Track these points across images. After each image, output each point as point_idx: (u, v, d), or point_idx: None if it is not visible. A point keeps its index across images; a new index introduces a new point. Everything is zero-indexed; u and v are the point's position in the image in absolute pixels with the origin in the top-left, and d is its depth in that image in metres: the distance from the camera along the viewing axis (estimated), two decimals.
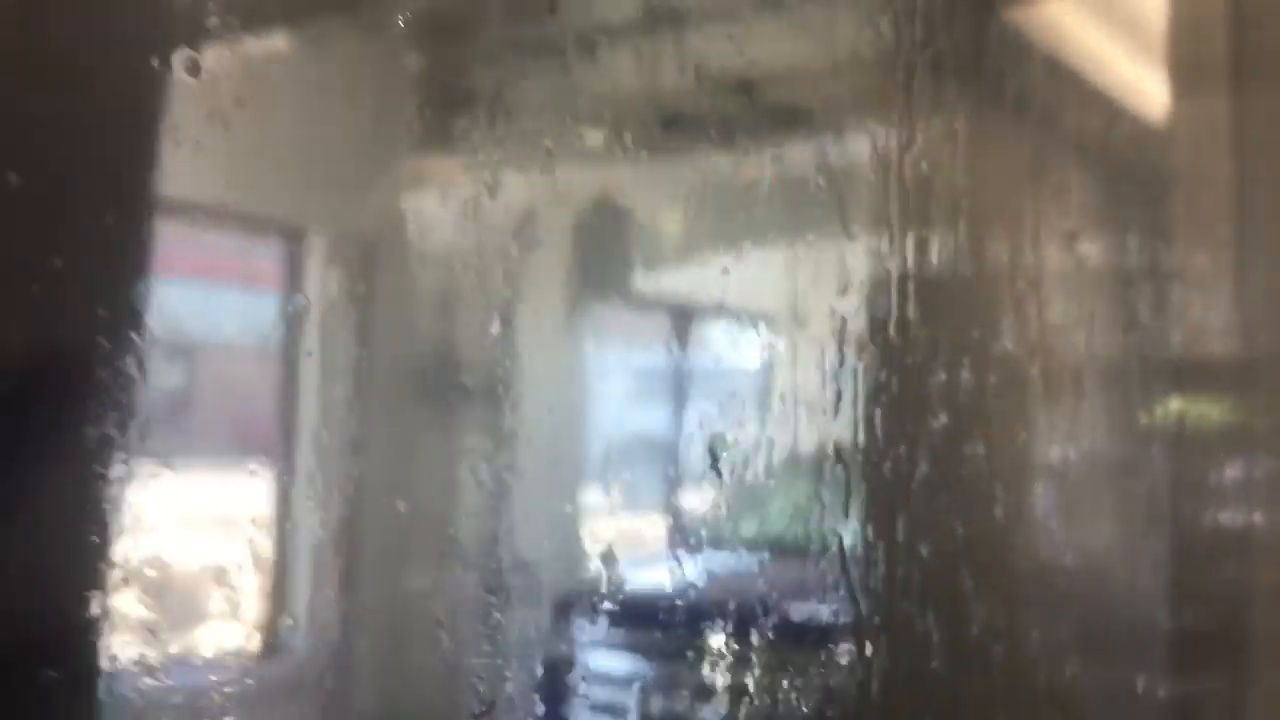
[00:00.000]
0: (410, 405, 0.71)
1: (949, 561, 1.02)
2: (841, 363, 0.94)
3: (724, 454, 0.86)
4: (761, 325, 0.94)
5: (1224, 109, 1.78)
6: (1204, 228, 1.66)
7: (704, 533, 0.85)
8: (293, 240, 0.68)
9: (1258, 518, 1.72)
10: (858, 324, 0.98)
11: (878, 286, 0.99)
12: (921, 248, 1.03)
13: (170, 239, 0.61)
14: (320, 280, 0.65)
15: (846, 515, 0.93)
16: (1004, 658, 1.05)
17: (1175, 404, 1.55)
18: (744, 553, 0.87)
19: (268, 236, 0.67)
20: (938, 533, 1.02)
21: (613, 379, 0.89)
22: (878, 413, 0.99)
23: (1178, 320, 1.54)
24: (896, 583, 0.98)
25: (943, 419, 1.02)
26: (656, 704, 0.80)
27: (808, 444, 0.93)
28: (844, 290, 0.99)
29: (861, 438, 0.97)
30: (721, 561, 0.85)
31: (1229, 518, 1.69)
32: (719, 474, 0.87)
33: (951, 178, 1.07)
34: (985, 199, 1.13)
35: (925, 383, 1.01)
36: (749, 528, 0.88)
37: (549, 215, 0.80)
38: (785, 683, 0.87)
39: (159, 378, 0.61)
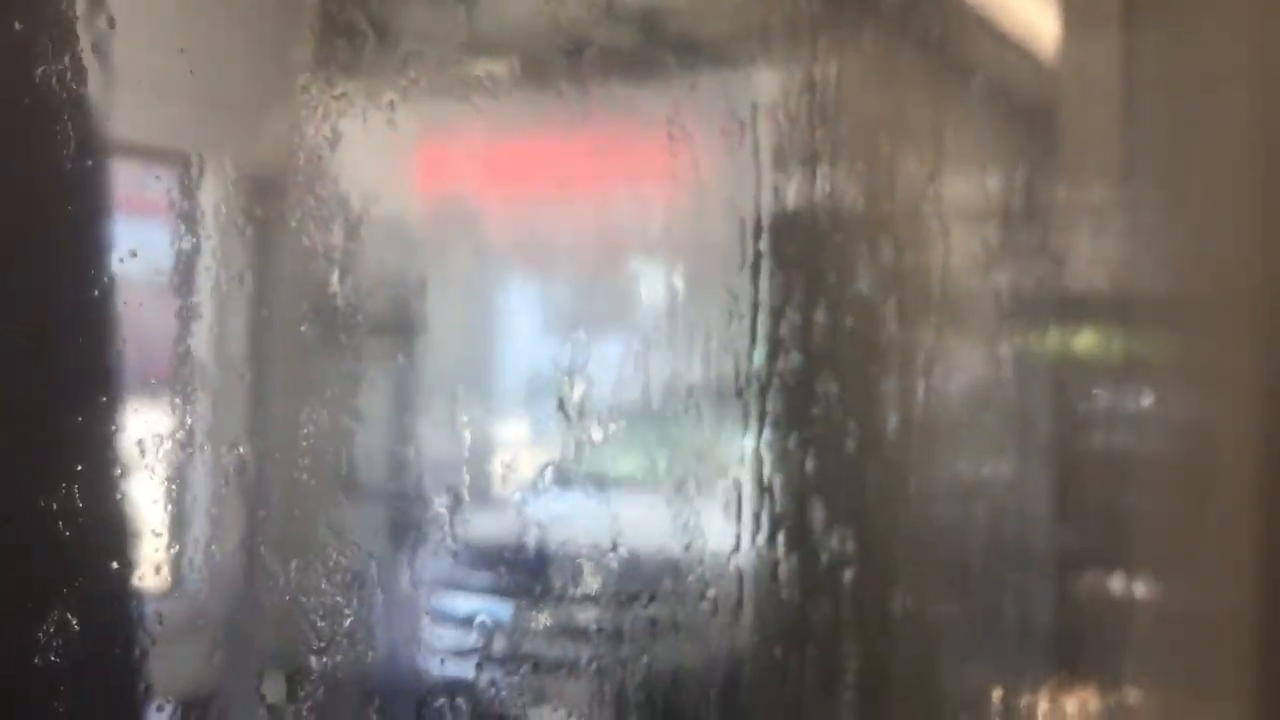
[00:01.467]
0: (311, 342, 0.72)
1: (801, 499, 1.06)
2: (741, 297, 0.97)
3: (584, 391, 0.88)
4: (657, 259, 0.95)
5: (1115, 45, 1.81)
6: (1092, 163, 1.70)
7: (558, 471, 0.88)
8: (184, 169, 0.67)
9: (1136, 445, 1.79)
10: (718, 266, 1.01)
11: (778, 222, 1.01)
12: (817, 181, 1.05)
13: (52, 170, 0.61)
14: (214, 212, 0.65)
15: (703, 455, 0.96)
16: (858, 585, 1.10)
17: (1057, 338, 1.61)
18: (598, 492, 0.90)
19: (157, 165, 0.66)
20: (791, 467, 1.06)
21: (522, 315, 0.90)
22: (751, 350, 1.02)
23: (1064, 254, 1.59)
24: (750, 520, 1.01)
25: (799, 356, 1.05)
26: (501, 644, 0.83)
27: (668, 380, 0.96)
28: (746, 229, 1.01)
29: (717, 375, 1.00)
30: (574, 501, 0.88)
31: (1108, 445, 1.76)
32: (568, 415, 0.89)
33: (854, 111, 1.08)
34: (885, 131, 1.15)
35: (799, 317, 1.04)
36: (606, 466, 0.90)
37: (452, 146, 0.81)
38: (631, 622, 0.91)
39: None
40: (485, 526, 0.83)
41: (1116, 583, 1.77)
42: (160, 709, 0.64)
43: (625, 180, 0.94)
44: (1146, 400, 1.79)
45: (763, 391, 1.05)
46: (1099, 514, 1.68)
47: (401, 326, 0.78)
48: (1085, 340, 1.72)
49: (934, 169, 1.22)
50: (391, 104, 0.72)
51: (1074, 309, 1.62)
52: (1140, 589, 1.79)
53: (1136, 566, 1.74)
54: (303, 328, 0.70)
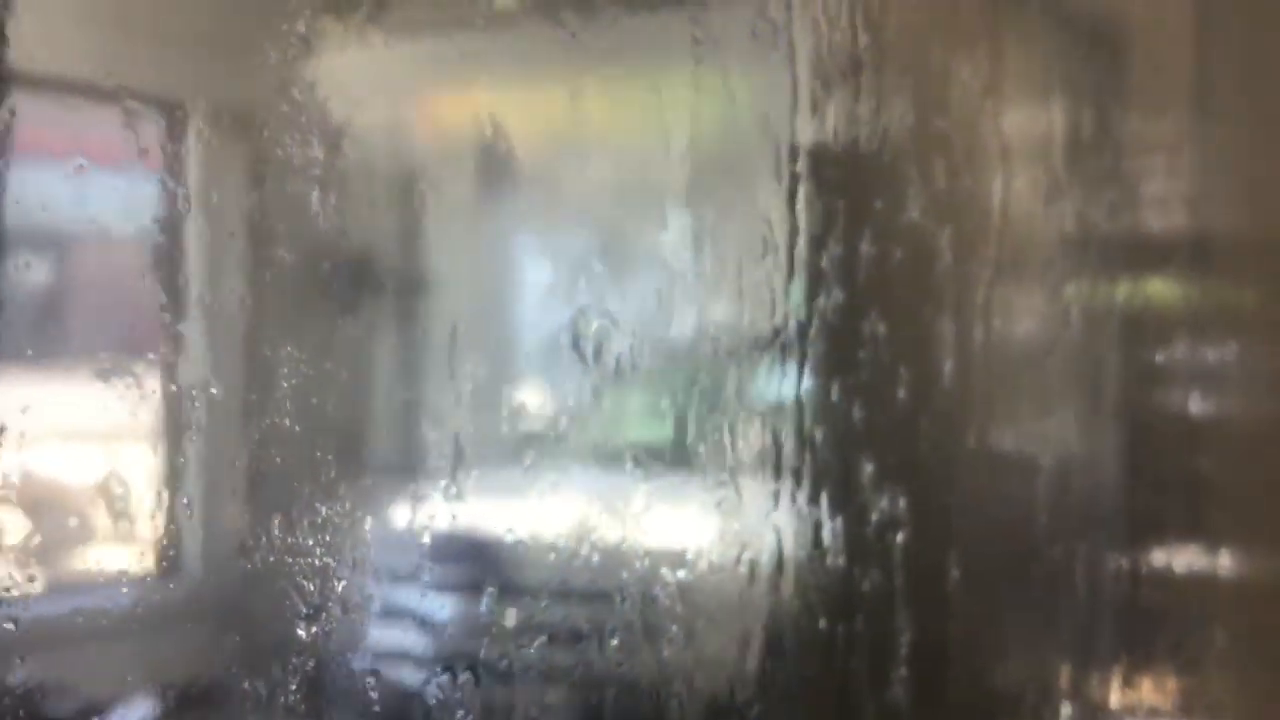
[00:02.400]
0: (310, 304, 0.69)
1: (846, 453, 1.02)
2: (748, 240, 0.93)
3: (603, 332, 0.84)
4: (681, 184, 0.91)
5: None
6: (1161, 90, 1.64)
7: (573, 423, 0.84)
8: (170, 115, 0.65)
9: (1216, 402, 1.74)
10: (759, 200, 0.97)
11: (817, 141, 0.97)
12: (838, 114, 1.01)
13: (29, 116, 0.59)
14: (203, 162, 0.63)
15: (737, 406, 0.92)
16: (909, 550, 1.06)
17: (1125, 284, 1.56)
18: (618, 446, 0.86)
19: (141, 112, 0.64)
20: (836, 418, 1.02)
21: (532, 251, 0.87)
22: (779, 289, 0.98)
23: (1129, 193, 1.53)
24: (790, 477, 0.98)
25: (845, 295, 1.01)
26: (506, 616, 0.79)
27: (695, 320, 0.92)
28: (781, 149, 0.97)
29: (751, 315, 0.95)
30: (590, 457, 0.84)
31: (1184, 401, 1.71)
32: (584, 359, 0.85)
33: (902, 13, 1.04)
34: (937, 39, 1.11)
35: (830, 257, 0.99)
36: (627, 417, 0.87)
37: (454, 87, 0.77)
38: (660, 590, 0.87)
39: (23, 272, 0.59)
40: (492, 486, 0.79)
41: (1193, 555, 1.72)
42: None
43: (643, 93, 0.89)
44: (1228, 352, 1.74)
45: (802, 333, 1.02)
46: (1175, 478, 1.64)
47: (402, 274, 0.75)
48: (1160, 284, 1.66)
49: (992, 85, 1.18)
50: (385, 39, 0.69)
51: (1148, 249, 1.56)
52: (1219, 562, 1.74)
53: (1215, 537, 1.69)
54: (293, 275, 0.67)
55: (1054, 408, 1.32)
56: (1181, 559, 1.74)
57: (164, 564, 0.67)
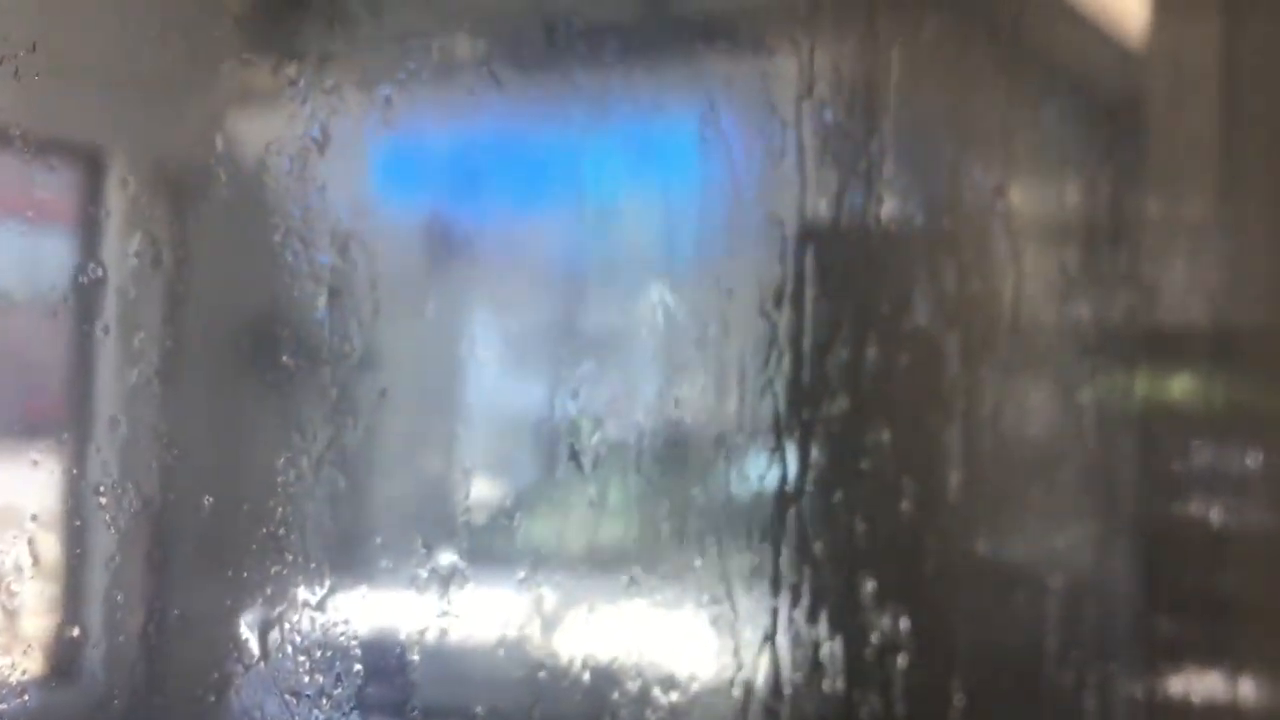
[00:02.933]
0: (228, 381, 0.75)
1: (848, 569, 1.11)
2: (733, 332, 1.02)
3: (592, 437, 0.92)
4: (681, 283, 1.01)
5: (1214, 32, 1.88)
6: (1186, 171, 1.76)
7: (558, 533, 0.92)
8: (89, 167, 0.69)
9: (1241, 512, 1.83)
10: (754, 290, 1.07)
11: (823, 241, 1.07)
12: (869, 193, 1.11)
13: None
14: (122, 218, 0.68)
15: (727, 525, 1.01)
16: (912, 673, 1.15)
17: (1144, 379, 1.66)
18: (606, 556, 0.94)
19: (57, 162, 0.68)
20: (837, 531, 1.11)
21: (515, 348, 0.94)
22: (791, 392, 1.07)
23: (1148, 287, 1.64)
24: (788, 594, 1.06)
25: (847, 401, 1.11)
26: None
27: (693, 426, 1.01)
28: (787, 249, 1.06)
29: (751, 421, 1.05)
30: (575, 568, 0.91)
31: (1200, 513, 1.80)
32: (580, 466, 0.93)
33: (911, 110, 1.15)
34: (947, 134, 1.21)
35: (846, 354, 1.09)
36: (617, 526, 0.94)
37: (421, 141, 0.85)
38: (650, 714, 0.95)
39: None
40: (472, 605, 0.87)
41: (1215, 682, 1.81)
42: None
43: (642, 186, 0.99)
44: (1254, 457, 1.84)
45: (804, 441, 1.10)
46: (1196, 597, 1.73)
47: (358, 359, 0.82)
48: (1181, 384, 1.77)
49: (1004, 179, 1.29)
50: (339, 90, 0.76)
51: (1168, 346, 1.67)
52: (1246, 690, 1.83)
53: (1241, 663, 1.78)
54: (217, 351, 0.74)
55: (1066, 521, 1.43)
56: (1202, 686, 1.83)
57: (63, 669, 0.72)
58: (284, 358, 0.77)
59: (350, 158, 0.79)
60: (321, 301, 0.78)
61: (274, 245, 0.76)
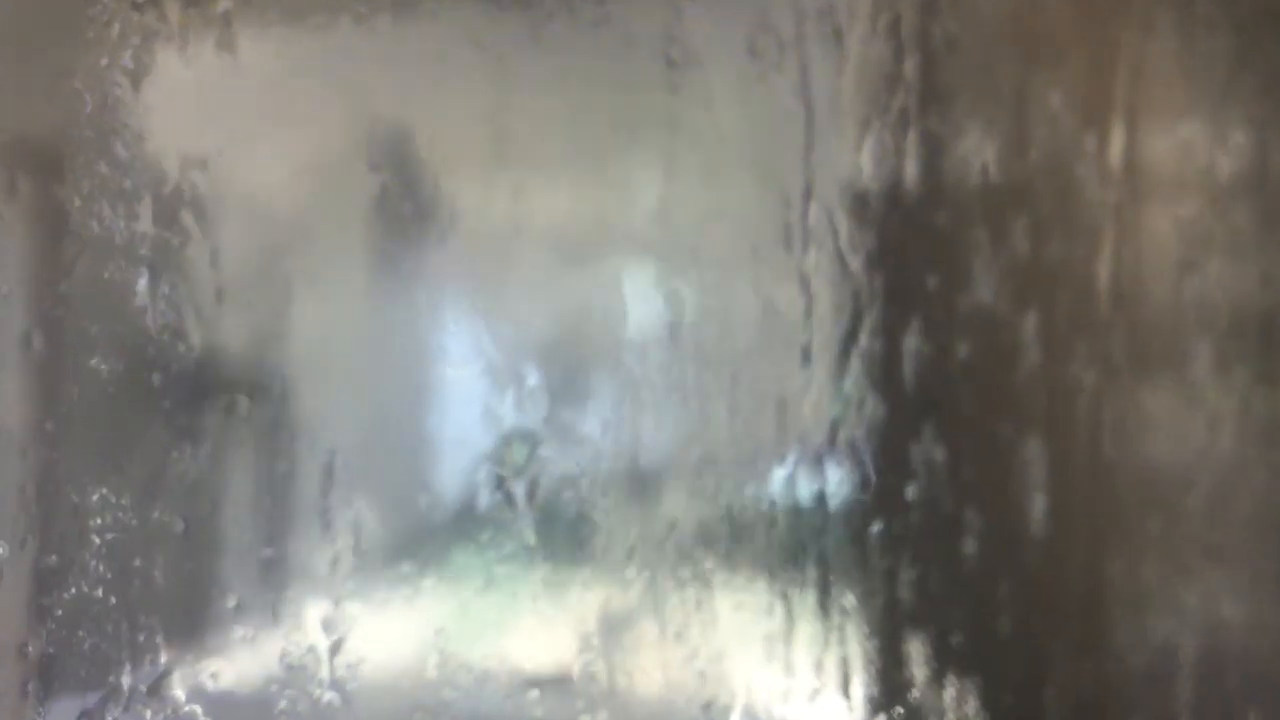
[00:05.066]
0: (134, 429, 0.74)
1: (894, 638, 1.07)
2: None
3: (538, 464, 0.89)
4: (652, 253, 0.97)
5: None
6: None
7: (492, 596, 0.89)
8: None
9: None
10: (748, 266, 1.03)
11: (846, 194, 1.04)
12: (872, 156, 1.08)
13: None
14: None
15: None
16: None
17: None
18: (562, 631, 0.90)
19: None
20: (876, 586, 1.07)
21: (444, 343, 0.92)
22: (792, 403, 1.03)
23: None
24: (810, 674, 1.03)
25: (883, 408, 1.07)
26: None
27: (672, 446, 0.97)
28: (792, 204, 1.03)
29: (752, 438, 1.01)
30: (521, 647, 0.87)
31: None
32: (512, 503, 0.90)
33: (924, 41, 1.11)
34: (1020, 42, 1.18)
35: (863, 356, 1.05)
36: (572, 590, 0.91)
37: (317, 116, 0.82)
38: None
39: None
40: (378, 682, 0.85)
41: None
42: None
43: (605, 130, 0.97)
44: None
45: (823, 462, 1.08)
46: None
47: (257, 368, 0.80)
48: None
49: (1100, 108, 1.25)
50: (228, 18, 0.74)
51: None
52: None
53: None
54: (112, 391, 0.72)
55: (1196, 565, 1.38)
56: None
57: None
58: (92, 360, 0.75)
59: (174, 95, 0.77)
60: (142, 285, 0.76)
61: (71, 214, 0.74)
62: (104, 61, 0.75)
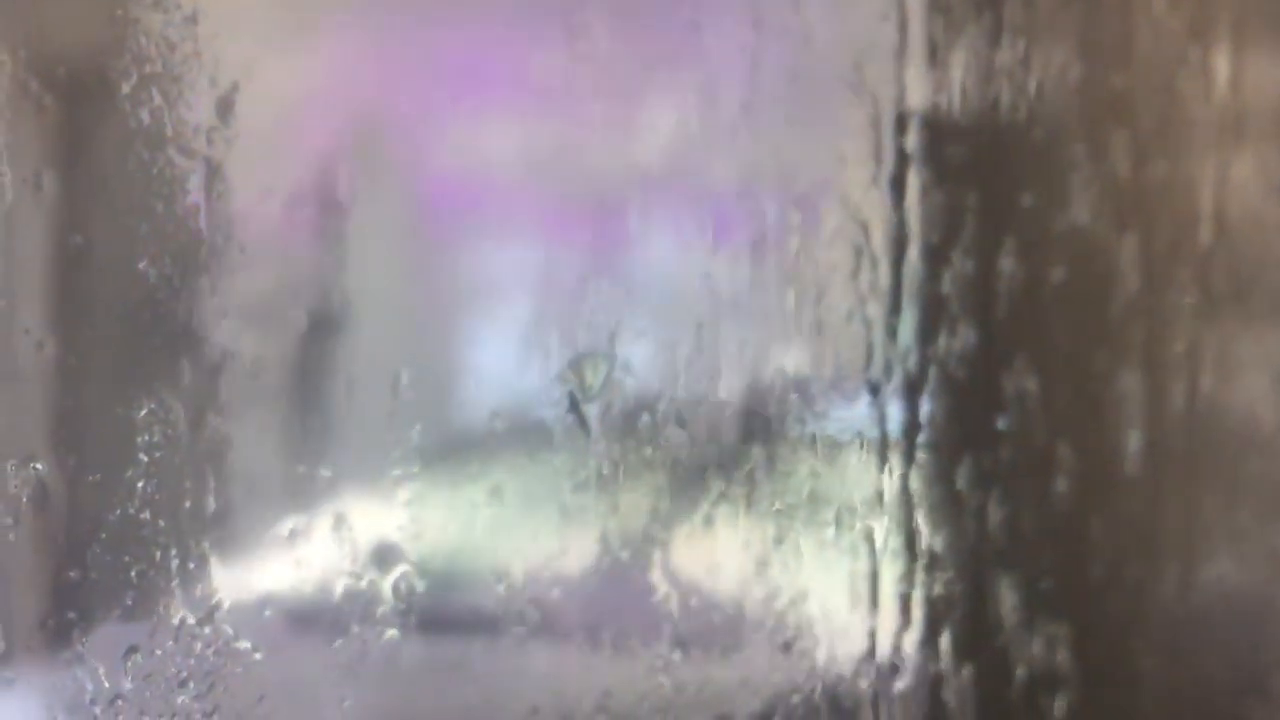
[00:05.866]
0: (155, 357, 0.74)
1: (979, 572, 1.07)
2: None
3: (610, 388, 0.88)
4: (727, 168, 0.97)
5: None
6: None
7: (560, 522, 0.88)
8: None
9: None
10: (834, 177, 1.02)
11: (936, 108, 1.03)
12: (966, 65, 1.07)
13: None
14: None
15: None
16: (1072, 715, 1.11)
17: None
18: (630, 554, 0.90)
19: None
20: (962, 519, 1.07)
21: (505, 273, 0.92)
22: (878, 325, 1.03)
23: None
24: (894, 605, 1.03)
25: (973, 333, 1.06)
26: None
27: (750, 371, 0.97)
28: (882, 118, 1.03)
29: (835, 363, 1.01)
30: (586, 570, 0.87)
31: None
32: (586, 428, 0.89)
33: None
34: None
35: (954, 277, 1.05)
36: (641, 511, 0.90)
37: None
38: None
39: None
40: (445, 608, 0.85)
41: None
42: None
43: (677, 31, 0.96)
44: None
45: (912, 390, 1.05)
46: None
47: (312, 298, 0.80)
48: None
49: (1201, 20, 1.24)
50: None
51: None
52: None
53: None
54: (130, 311, 0.72)
55: None
56: None
57: None
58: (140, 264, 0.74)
59: None
60: (194, 185, 0.75)
61: (120, 102, 0.73)
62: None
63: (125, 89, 0.74)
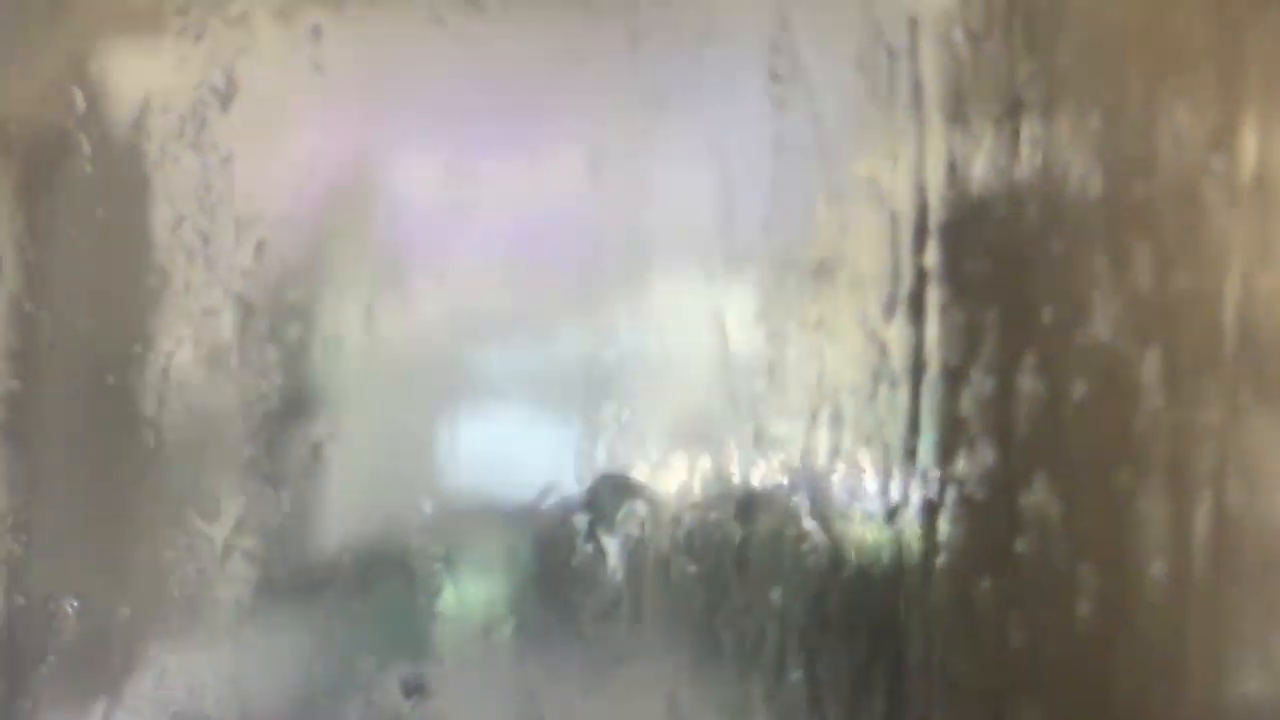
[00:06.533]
0: (96, 438, 0.77)
1: (998, 702, 1.11)
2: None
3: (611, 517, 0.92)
4: (708, 285, 1.01)
5: None
6: None
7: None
8: None
9: None
10: (851, 294, 1.07)
11: (956, 219, 1.08)
12: (986, 177, 1.12)
13: None
14: None
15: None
16: None
17: None
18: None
19: None
20: (984, 649, 1.11)
21: (449, 384, 0.95)
22: (911, 441, 1.07)
23: None
24: None
25: (991, 453, 1.11)
26: None
27: (757, 495, 1.01)
28: (900, 230, 1.11)
29: (850, 486, 1.06)
30: None
31: None
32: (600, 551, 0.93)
33: (1085, 19, 1.15)
34: (1139, 55, 1.21)
35: (973, 397, 1.09)
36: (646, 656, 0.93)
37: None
38: None
39: None
40: None
41: None
42: None
43: (686, 147, 1.01)
44: None
45: (930, 513, 1.10)
46: None
47: (279, 401, 0.84)
48: None
49: (1230, 121, 1.28)
50: (248, 19, 0.76)
51: None
52: None
53: None
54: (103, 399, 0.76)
55: None
56: None
57: None
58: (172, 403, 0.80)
59: (266, 115, 0.81)
60: (228, 321, 0.80)
61: (158, 243, 0.78)
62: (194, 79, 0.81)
63: None
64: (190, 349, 0.84)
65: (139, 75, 0.79)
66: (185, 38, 0.80)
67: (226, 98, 0.81)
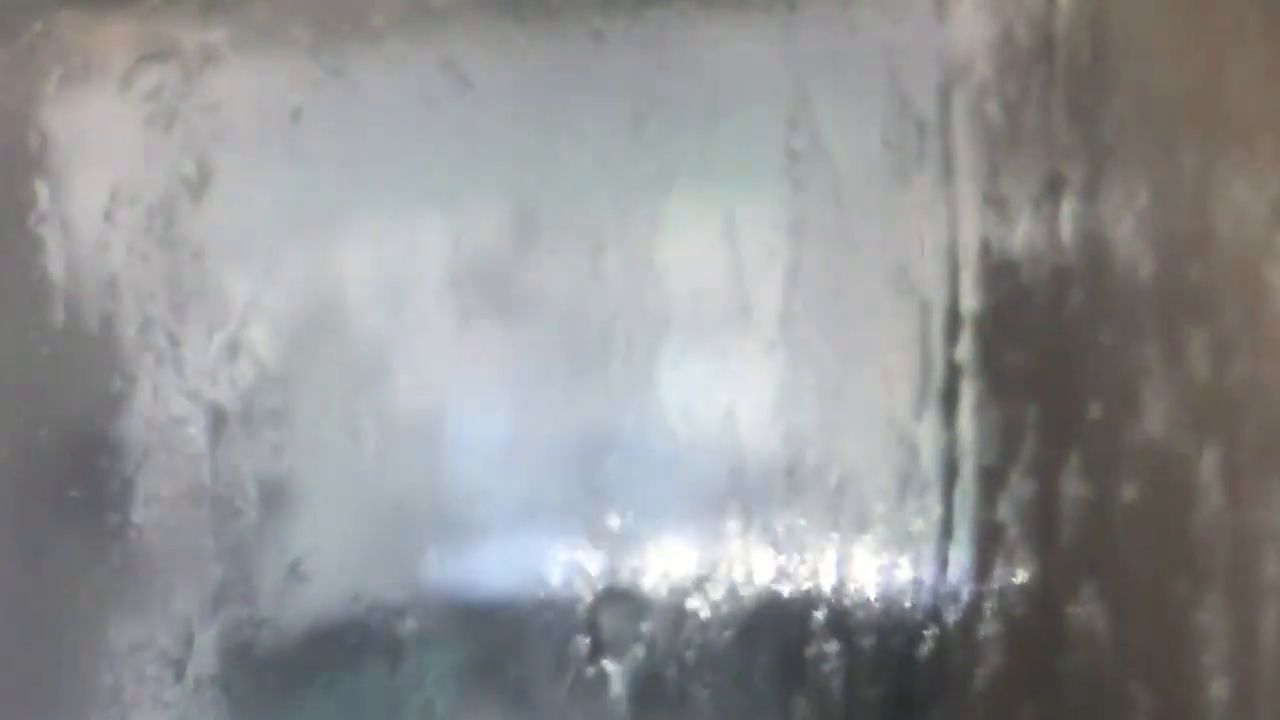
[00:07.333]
0: (54, 552, 0.79)
1: None
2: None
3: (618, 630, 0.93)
4: (723, 382, 1.04)
5: None
6: None
7: None
8: None
9: None
10: (877, 392, 1.10)
11: (992, 309, 1.10)
12: (1062, 227, 1.14)
13: None
14: None
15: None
16: None
17: None
18: None
19: None
20: None
21: (444, 494, 0.97)
22: (929, 556, 1.09)
23: None
24: None
25: (1036, 564, 1.12)
26: None
27: (784, 614, 1.03)
28: (932, 322, 1.15)
29: (882, 602, 1.08)
30: None
31: None
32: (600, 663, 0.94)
33: (1130, 88, 1.17)
34: (1190, 127, 1.24)
35: (1013, 502, 1.11)
36: None
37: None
38: None
39: None
40: None
41: None
42: None
43: (697, 228, 1.04)
44: None
45: (966, 630, 1.12)
46: None
47: (256, 516, 0.86)
48: None
49: None
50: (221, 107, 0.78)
51: None
52: None
53: None
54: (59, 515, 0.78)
55: None
56: None
57: None
58: (137, 511, 0.82)
59: (241, 205, 0.83)
60: (198, 430, 0.83)
61: (123, 343, 0.80)
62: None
63: None
64: (160, 458, 0.86)
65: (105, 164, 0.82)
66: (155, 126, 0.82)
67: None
